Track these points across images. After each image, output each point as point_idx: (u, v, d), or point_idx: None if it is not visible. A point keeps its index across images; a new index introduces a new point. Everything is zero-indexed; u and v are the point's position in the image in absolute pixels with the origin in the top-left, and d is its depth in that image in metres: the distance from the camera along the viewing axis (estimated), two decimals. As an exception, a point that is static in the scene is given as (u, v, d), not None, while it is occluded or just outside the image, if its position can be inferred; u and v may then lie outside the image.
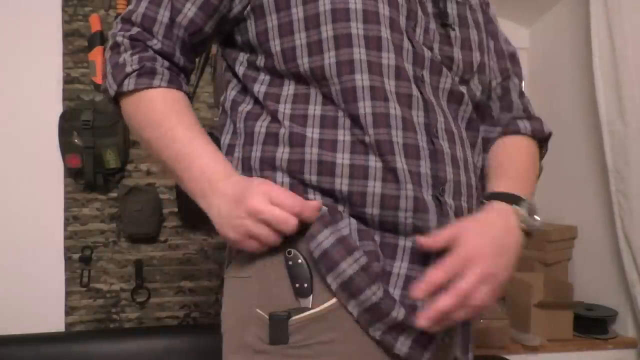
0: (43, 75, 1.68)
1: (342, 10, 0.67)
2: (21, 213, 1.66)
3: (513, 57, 0.88)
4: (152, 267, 1.72)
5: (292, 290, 0.65)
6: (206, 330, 1.60)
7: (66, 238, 1.68)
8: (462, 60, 0.75)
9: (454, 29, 0.75)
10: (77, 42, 1.69)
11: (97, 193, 1.69)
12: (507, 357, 1.56)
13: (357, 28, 0.67)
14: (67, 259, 1.68)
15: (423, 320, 0.62)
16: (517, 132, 0.82)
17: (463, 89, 0.76)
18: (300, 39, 0.69)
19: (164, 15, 0.73)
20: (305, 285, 0.64)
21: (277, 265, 0.67)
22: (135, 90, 0.71)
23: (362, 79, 0.67)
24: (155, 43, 0.73)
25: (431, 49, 0.73)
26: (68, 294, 1.68)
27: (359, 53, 0.67)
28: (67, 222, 1.68)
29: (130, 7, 0.75)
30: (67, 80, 1.69)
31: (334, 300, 0.64)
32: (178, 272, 1.74)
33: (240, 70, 0.76)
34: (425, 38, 0.73)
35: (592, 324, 1.68)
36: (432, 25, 0.74)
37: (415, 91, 0.70)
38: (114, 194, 1.70)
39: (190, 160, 0.68)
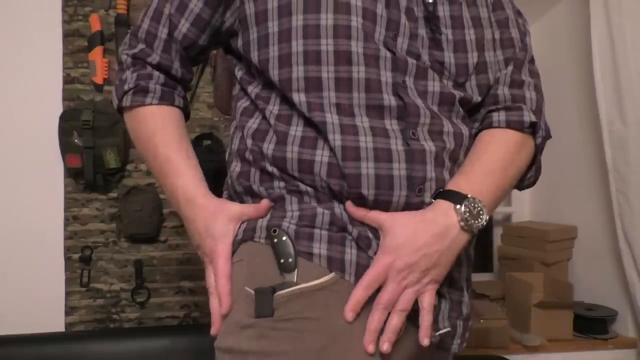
0: (43, 75, 1.68)
1: (313, 27, 0.70)
2: (21, 213, 1.66)
3: (521, 41, 0.84)
4: (152, 267, 1.72)
5: (277, 266, 0.67)
6: (206, 330, 1.57)
7: (66, 238, 1.68)
8: (455, 64, 0.75)
9: (443, 33, 0.75)
10: (77, 42, 1.70)
11: (97, 193, 1.70)
12: (507, 357, 1.56)
13: (326, 44, 0.70)
14: (67, 259, 1.68)
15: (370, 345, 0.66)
16: (491, 125, 0.79)
17: (457, 92, 0.76)
18: (273, 51, 0.73)
19: (162, 32, 0.80)
20: (290, 260, 0.67)
21: (266, 246, 0.70)
22: (131, 107, 0.80)
23: (329, 97, 0.71)
24: (155, 58, 0.80)
25: (418, 56, 0.73)
26: (68, 294, 1.68)
27: (327, 71, 0.71)
28: (67, 222, 1.68)
29: (138, 22, 0.83)
30: (67, 80, 1.69)
31: (321, 279, 0.66)
32: (178, 272, 1.74)
33: (239, 74, 0.82)
34: (411, 45, 0.73)
35: (592, 324, 1.68)
36: (421, 30, 0.74)
37: (388, 101, 0.71)
38: (114, 194, 1.70)
39: (165, 176, 0.78)
